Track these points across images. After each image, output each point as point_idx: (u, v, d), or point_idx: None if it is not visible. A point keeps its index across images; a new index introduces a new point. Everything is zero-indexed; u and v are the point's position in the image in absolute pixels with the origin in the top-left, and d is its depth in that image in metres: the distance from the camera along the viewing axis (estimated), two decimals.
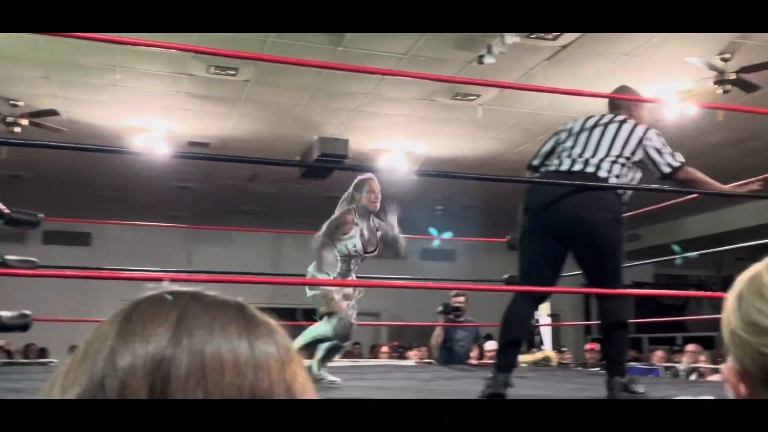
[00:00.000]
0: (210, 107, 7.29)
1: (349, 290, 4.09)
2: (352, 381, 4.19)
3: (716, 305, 11.22)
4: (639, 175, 3.29)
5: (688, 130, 7.46)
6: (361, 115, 7.51)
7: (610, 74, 6.19)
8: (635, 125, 3.28)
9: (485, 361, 7.25)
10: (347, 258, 4.04)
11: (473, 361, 6.89)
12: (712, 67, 5.94)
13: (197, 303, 0.52)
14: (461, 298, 6.57)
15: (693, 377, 6.77)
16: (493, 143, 8.41)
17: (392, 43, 5.66)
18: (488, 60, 5.67)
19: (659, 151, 3.23)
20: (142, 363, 0.48)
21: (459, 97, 7.01)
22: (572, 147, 3.23)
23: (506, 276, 6.29)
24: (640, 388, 3.05)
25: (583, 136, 3.24)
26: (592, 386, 4.03)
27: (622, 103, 3.42)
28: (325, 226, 4.06)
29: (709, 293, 8.42)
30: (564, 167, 3.20)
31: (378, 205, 4.16)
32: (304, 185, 9.67)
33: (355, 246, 4.03)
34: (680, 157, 3.26)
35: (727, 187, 3.45)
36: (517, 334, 3.17)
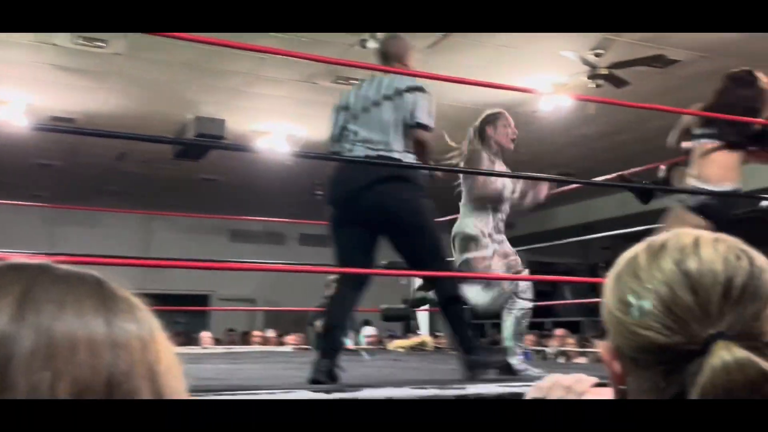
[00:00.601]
0: (76, 80, 6.85)
1: (507, 248, 3.62)
2: (228, 368, 4.04)
3: (582, 291, 11.75)
4: None
5: (563, 122, 7.73)
6: (240, 95, 7.29)
7: (490, 65, 6.30)
8: (403, 78, 3.18)
9: (363, 346, 7.27)
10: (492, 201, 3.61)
11: (351, 347, 6.87)
12: (586, 62, 6.15)
13: (46, 276, 0.47)
14: None
15: (561, 360, 7.05)
16: None
17: None
18: (371, 44, 5.64)
19: (416, 102, 3.13)
20: None
21: (341, 81, 6.92)
22: (356, 131, 3.14)
23: (384, 262, 6.30)
24: (493, 362, 3.06)
25: (364, 116, 3.14)
26: None
27: (391, 53, 3.32)
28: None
29: (577, 278, 8.80)
30: (358, 151, 3.12)
31: (513, 143, 3.73)
32: (177, 166, 9.31)
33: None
34: (432, 121, 3.17)
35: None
36: (340, 320, 3.10)
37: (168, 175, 10.07)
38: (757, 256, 0.71)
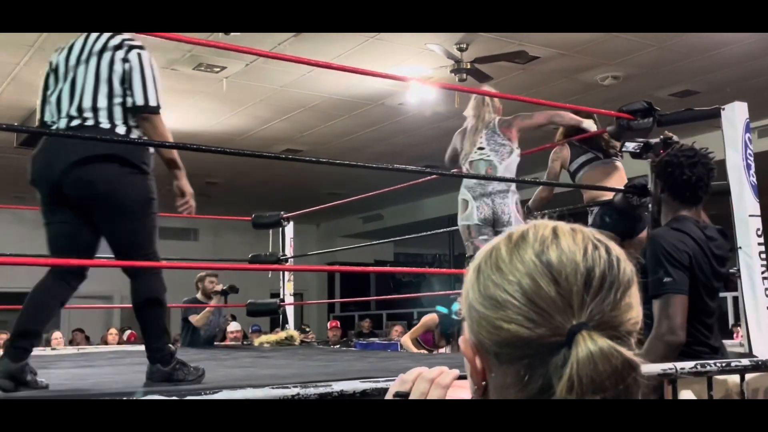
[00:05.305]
0: None
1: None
2: (79, 372, 3.78)
3: (448, 281, 12.01)
4: None
5: (428, 115, 7.82)
6: None
7: (357, 55, 6.26)
8: (128, 45, 2.70)
9: (227, 342, 7.09)
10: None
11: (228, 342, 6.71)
12: (450, 56, 6.24)
13: None
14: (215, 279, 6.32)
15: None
16: (238, 118, 8.17)
17: None
18: (235, 32, 5.44)
19: (143, 77, 2.67)
20: None
21: (202, 68, 6.68)
22: (59, 100, 2.71)
23: (251, 255, 6.14)
24: (187, 375, 2.67)
25: (67, 83, 2.71)
26: (333, 363, 4.02)
27: None
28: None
29: (442, 270, 8.95)
30: (62, 125, 2.68)
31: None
32: (24, 155, 8.68)
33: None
34: (159, 101, 2.70)
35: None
36: (42, 317, 2.66)
37: (12, 165, 9.39)
38: (613, 246, 0.72)
